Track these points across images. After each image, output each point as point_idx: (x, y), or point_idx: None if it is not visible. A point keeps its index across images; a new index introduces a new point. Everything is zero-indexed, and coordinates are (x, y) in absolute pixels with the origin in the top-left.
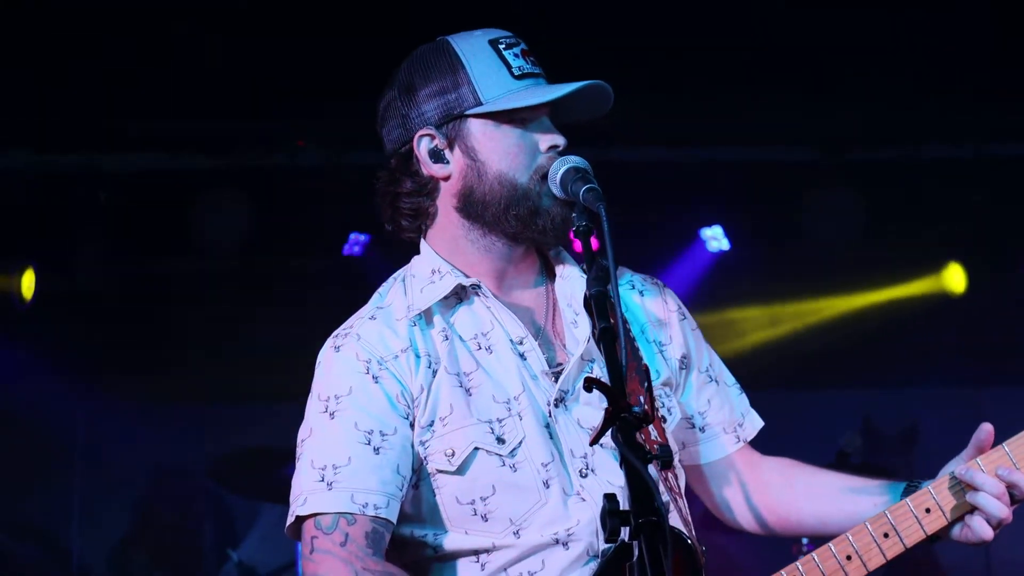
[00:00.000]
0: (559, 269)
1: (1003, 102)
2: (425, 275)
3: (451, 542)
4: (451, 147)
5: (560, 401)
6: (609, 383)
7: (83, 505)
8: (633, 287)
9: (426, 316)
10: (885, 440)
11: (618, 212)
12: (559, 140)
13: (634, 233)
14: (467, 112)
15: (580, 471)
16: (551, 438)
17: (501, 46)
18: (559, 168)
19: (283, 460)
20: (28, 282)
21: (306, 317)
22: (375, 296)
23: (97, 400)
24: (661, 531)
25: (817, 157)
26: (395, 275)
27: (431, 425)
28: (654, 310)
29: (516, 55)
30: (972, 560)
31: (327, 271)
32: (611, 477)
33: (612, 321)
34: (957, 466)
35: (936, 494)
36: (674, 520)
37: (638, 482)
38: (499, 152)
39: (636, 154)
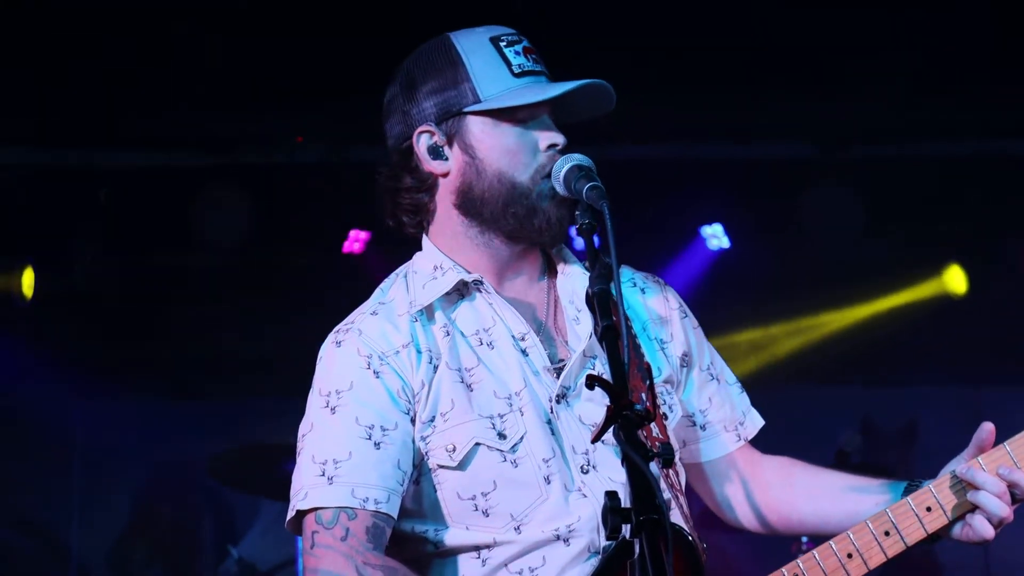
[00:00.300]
0: (561, 266)
1: (1003, 99)
2: (427, 271)
3: (452, 538)
4: (450, 144)
5: (562, 397)
6: (611, 380)
7: (82, 501)
8: (635, 285)
9: (428, 312)
10: (884, 439)
11: (618, 210)
12: (558, 139)
13: (634, 231)
14: (466, 109)
15: (581, 467)
16: (552, 434)
17: (502, 43)
18: (563, 166)
19: (283, 456)
20: (28, 280)
21: (306, 314)
22: (377, 292)
23: (96, 397)
24: (662, 529)
25: (817, 154)
26: (397, 271)
27: (432, 420)
28: (655, 308)
29: (517, 52)
30: (971, 559)
31: (327, 268)
32: (612, 474)
33: (614, 319)
34: (958, 465)
35: (937, 493)
36: (675, 517)
37: (639, 480)
38: (498, 150)
39: (636, 152)
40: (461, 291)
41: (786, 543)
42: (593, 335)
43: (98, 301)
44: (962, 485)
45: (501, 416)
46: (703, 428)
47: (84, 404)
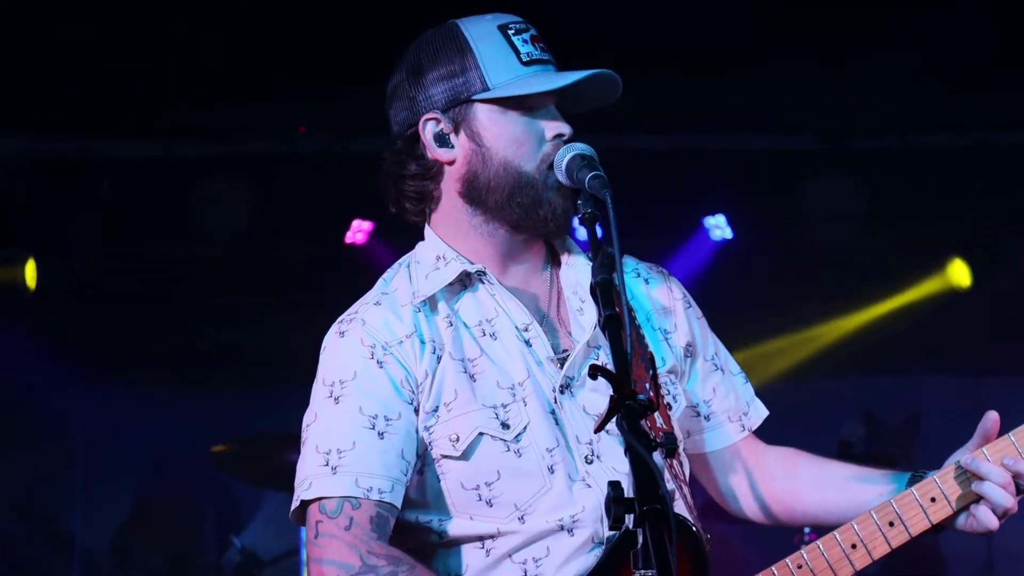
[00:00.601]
0: (564, 257)
1: (1006, 89)
2: (430, 261)
3: (456, 528)
4: (457, 132)
5: (565, 387)
6: (614, 370)
7: (85, 492)
8: (638, 275)
9: (430, 302)
10: (887, 429)
11: (622, 200)
12: (565, 129)
13: (637, 221)
14: (474, 97)
15: (586, 457)
16: (556, 424)
17: (510, 31)
18: (565, 155)
19: (285, 446)
20: (31, 272)
21: (308, 305)
22: (380, 282)
23: (98, 388)
24: (665, 519)
25: (819, 146)
26: (400, 261)
27: (436, 411)
28: (659, 298)
29: (525, 41)
30: (973, 551)
31: (329, 259)
32: (616, 464)
33: (617, 309)
34: (963, 456)
35: (942, 483)
36: (679, 508)
37: (643, 470)
38: (505, 139)
39: (640, 142)
40: (464, 281)
41: (788, 534)
42: (597, 327)
43: (99, 292)
44: (967, 476)
45: (504, 406)
46: (707, 418)
47: (86, 395)
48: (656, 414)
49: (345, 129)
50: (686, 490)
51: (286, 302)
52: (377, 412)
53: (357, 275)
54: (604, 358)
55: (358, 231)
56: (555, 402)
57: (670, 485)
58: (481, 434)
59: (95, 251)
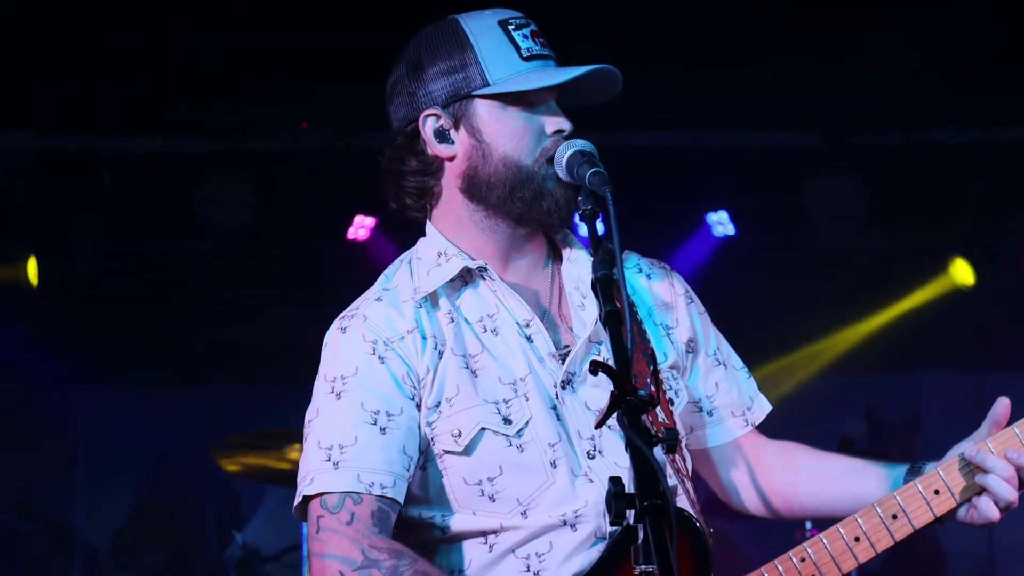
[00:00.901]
0: (566, 252)
1: (1006, 86)
2: (431, 258)
3: (459, 523)
4: (457, 127)
5: (567, 383)
6: (615, 366)
7: (87, 488)
8: (640, 270)
9: (432, 298)
10: (889, 426)
11: (623, 197)
12: (565, 124)
13: (639, 218)
14: (474, 92)
15: (588, 452)
16: (558, 420)
17: (510, 26)
18: (565, 151)
19: (287, 442)
20: (33, 269)
21: (310, 301)
22: (381, 278)
23: (100, 384)
24: (666, 514)
25: (822, 143)
26: (401, 257)
27: (438, 406)
28: (660, 293)
29: (525, 36)
30: (974, 547)
31: (331, 255)
32: (618, 459)
33: (618, 304)
34: (967, 447)
35: (945, 476)
36: (682, 503)
37: (643, 465)
38: (505, 134)
39: (642, 139)
40: (465, 277)
41: (791, 529)
42: (599, 321)
43: (100, 289)
44: (970, 468)
45: (506, 401)
46: (709, 414)
47: (87, 393)
48: (658, 409)
49: (347, 125)
50: (688, 485)
51: (288, 299)
52: (379, 408)
53: (359, 271)
54: (606, 353)
55: (360, 227)
56: (556, 398)
57: (672, 480)
58: (483, 429)
59: (96, 248)
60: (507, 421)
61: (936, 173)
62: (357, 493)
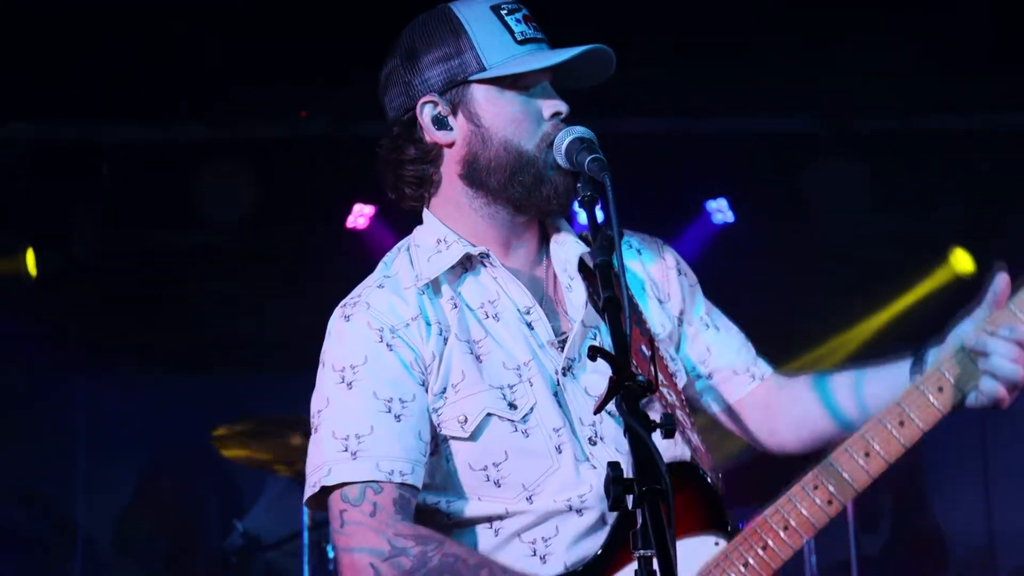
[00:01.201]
0: (554, 235)
1: (1009, 71)
2: (430, 244)
3: (465, 509)
4: (454, 113)
5: (567, 369)
6: (614, 352)
7: (88, 476)
8: (630, 246)
9: (434, 285)
10: None
11: (623, 184)
12: (562, 107)
13: (638, 206)
14: (470, 78)
15: (589, 438)
16: (560, 406)
17: (503, 11)
18: (564, 138)
19: (287, 430)
20: (31, 260)
21: (309, 289)
22: (380, 266)
23: (100, 373)
24: (665, 498)
25: (822, 128)
26: (399, 245)
27: (444, 392)
28: (654, 268)
29: (518, 20)
30: (975, 530)
31: (331, 243)
32: (620, 445)
33: (616, 291)
34: (968, 331)
35: (946, 370)
36: (681, 450)
37: (642, 450)
38: (503, 118)
39: (641, 125)
40: (465, 264)
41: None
42: (588, 304)
43: (100, 278)
44: (970, 356)
45: (511, 387)
46: (710, 376)
47: (88, 380)
48: (666, 387)
49: (346, 113)
50: (691, 434)
51: (287, 287)
52: (392, 395)
53: (358, 260)
54: (601, 338)
55: (360, 215)
56: (558, 384)
57: (678, 449)
58: (489, 415)
59: (95, 237)
60: (512, 406)
61: (938, 159)
62: (377, 482)
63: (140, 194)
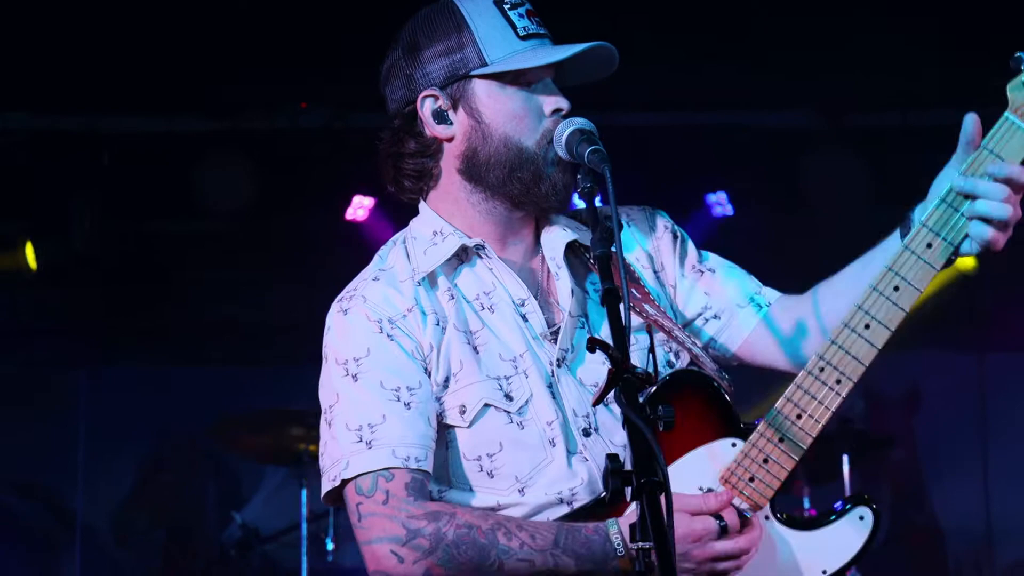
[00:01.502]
0: (545, 226)
1: (1005, 64)
2: (426, 237)
3: (456, 499)
4: (455, 108)
5: (561, 361)
6: (612, 343)
7: (87, 468)
8: (625, 227)
9: (430, 278)
10: (887, 404)
11: (622, 177)
12: (563, 103)
13: (637, 199)
14: (472, 73)
15: (583, 431)
16: (554, 398)
17: (506, 6)
18: (564, 130)
19: (287, 422)
20: (31, 254)
21: (309, 281)
22: (375, 259)
23: (99, 363)
24: (663, 490)
25: (821, 121)
26: (394, 238)
27: (446, 382)
28: (646, 242)
29: (521, 15)
30: (972, 523)
31: (330, 235)
32: (613, 437)
33: (615, 282)
34: (944, 180)
35: (932, 225)
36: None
37: (640, 442)
38: (504, 114)
39: (641, 119)
40: (461, 256)
41: None
42: (574, 292)
43: (99, 268)
44: (952, 206)
45: (507, 378)
46: (717, 317)
47: (87, 371)
48: (649, 307)
49: (346, 105)
50: (691, 344)
51: (287, 278)
52: (399, 384)
53: (358, 251)
54: (589, 327)
55: (359, 207)
56: (552, 376)
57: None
58: (486, 405)
59: (95, 227)
60: (509, 398)
61: (937, 152)
62: (388, 469)
63: (140, 185)
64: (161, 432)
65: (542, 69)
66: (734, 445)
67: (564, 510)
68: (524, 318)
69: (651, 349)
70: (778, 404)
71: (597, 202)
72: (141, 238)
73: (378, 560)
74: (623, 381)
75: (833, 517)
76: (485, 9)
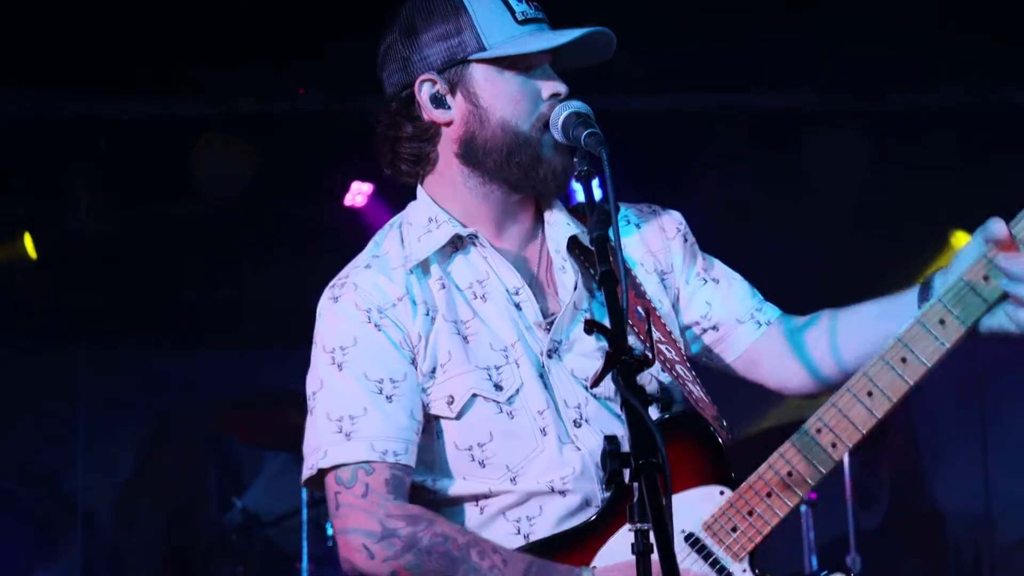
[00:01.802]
0: (547, 215)
1: (1009, 46)
2: (422, 223)
3: (450, 488)
4: (453, 93)
5: (553, 352)
6: (610, 326)
7: (87, 453)
8: (628, 222)
9: (423, 266)
10: None
11: (619, 161)
12: (561, 88)
13: (634, 183)
14: (470, 57)
15: (574, 421)
16: (546, 387)
17: None
18: (561, 113)
19: (287, 406)
20: (30, 244)
21: (307, 265)
22: (371, 244)
23: (99, 347)
24: (662, 472)
25: (819, 102)
26: (391, 222)
27: (432, 372)
28: (651, 242)
29: (519, 0)
30: (972, 504)
31: (328, 219)
32: (604, 427)
33: (612, 265)
34: (966, 259)
35: (947, 301)
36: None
37: (638, 424)
38: (502, 98)
39: (637, 103)
40: (456, 244)
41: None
42: (579, 286)
43: (98, 251)
44: (972, 286)
45: (497, 368)
46: (715, 329)
47: (87, 356)
48: (662, 343)
49: (344, 89)
50: (693, 387)
51: (286, 262)
52: (382, 376)
53: (357, 235)
54: (594, 319)
55: (358, 193)
56: (544, 366)
57: (694, 390)
58: (475, 395)
59: (93, 211)
60: (498, 387)
61: (937, 133)
62: (369, 463)
63: (138, 169)
64: (161, 416)
65: (540, 54)
66: (722, 493)
67: (557, 499)
68: (518, 307)
69: (648, 331)
70: (771, 458)
71: (595, 186)
72: (139, 222)
73: (350, 551)
74: (621, 363)
75: None
76: None
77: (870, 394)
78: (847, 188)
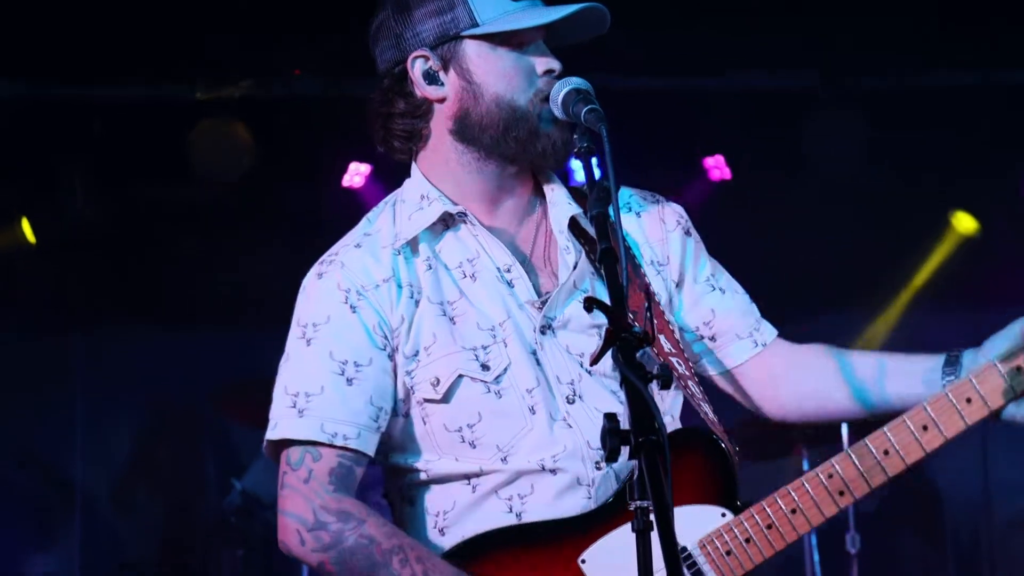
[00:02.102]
0: (549, 193)
1: (1010, 26)
2: (414, 201)
3: (441, 468)
4: (446, 69)
5: (546, 328)
6: (610, 304)
7: (85, 437)
8: (630, 209)
9: (412, 244)
10: None
11: (620, 141)
12: (555, 64)
13: (635, 164)
14: (463, 33)
15: (567, 397)
16: (537, 364)
17: None
18: (561, 89)
19: None
20: (28, 229)
21: (305, 248)
22: (363, 221)
23: (97, 332)
24: (661, 450)
25: (819, 83)
26: (386, 199)
27: (416, 355)
28: (649, 230)
29: None
30: (970, 484)
31: (326, 201)
32: (599, 403)
33: (612, 242)
34: (1000, 343)
35: (978, 384)
36: (671, 403)
37: (638, 401)
38: (495, 74)
39: (637, 83)
40: (447, 222)
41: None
42: (578, 264)
43: (95, 236)
44: (1005, 375)
45: (484, 348)
46: (712, 339)
47: (84, 341)
48: (663, 339)
49: (340, 71)
50: (706, 407)
51: (283, 245)
52: (347, 358)
53: (355, 217)
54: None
55: (356, 174)
56: (536, 343)
57: (705, 409)
58: (461, 376)
59: (90, 194)
60: (485, 367)
61: (936, 114)
62: (316, 447)
63: (134, 152)
64: (159, 400)
65: (534, 30)
66: (723, 515)
67: (548, 477)
68: (510, 284)
69: (649, 308)
70: (778, 493)
71: (595, 165)
72: (136, 206)
73: (285, 532)
74: (621, 340)
75: None
76: None
77: (886, 452)
78: (847, 169)
